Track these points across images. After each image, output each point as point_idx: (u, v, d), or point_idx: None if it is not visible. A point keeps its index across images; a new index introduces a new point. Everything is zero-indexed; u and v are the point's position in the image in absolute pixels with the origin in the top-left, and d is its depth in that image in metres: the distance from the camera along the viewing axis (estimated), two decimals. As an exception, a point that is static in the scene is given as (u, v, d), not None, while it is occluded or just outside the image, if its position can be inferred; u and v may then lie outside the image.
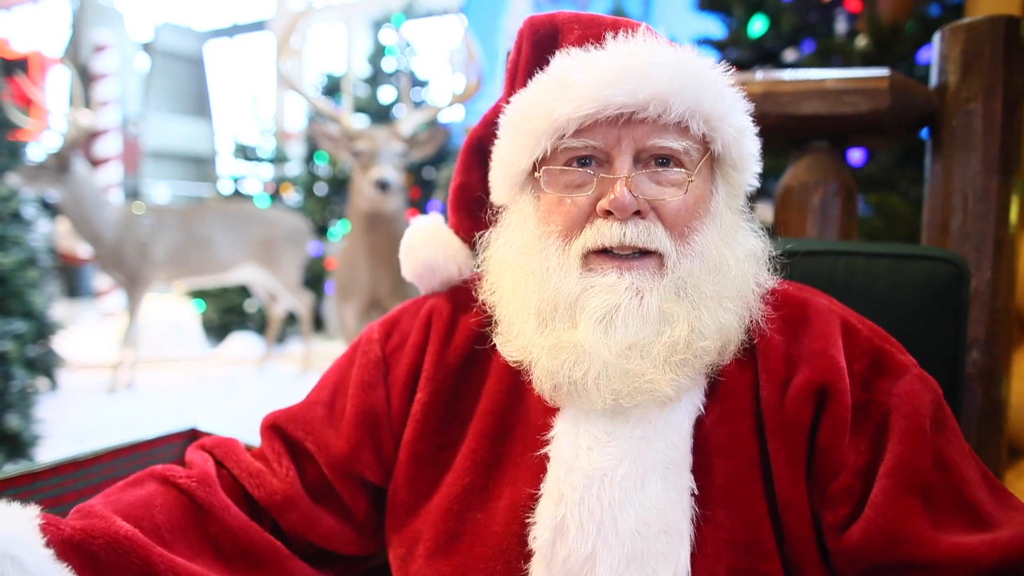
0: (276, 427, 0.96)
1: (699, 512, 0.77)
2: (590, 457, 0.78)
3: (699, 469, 0.79)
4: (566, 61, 0.82)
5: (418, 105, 5.19)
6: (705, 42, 3.43)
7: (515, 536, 0.81)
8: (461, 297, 0.97)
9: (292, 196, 6.97)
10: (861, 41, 2.78)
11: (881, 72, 1.27)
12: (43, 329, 3.27)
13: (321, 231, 6.59)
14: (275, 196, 6.88)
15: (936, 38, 1.28)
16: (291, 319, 6.32)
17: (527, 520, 0.80)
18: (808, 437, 0.80)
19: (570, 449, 0.80)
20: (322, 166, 6.76)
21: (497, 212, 0.93)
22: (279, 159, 7.07)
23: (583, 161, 0.81)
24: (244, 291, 6.31)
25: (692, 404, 0.81)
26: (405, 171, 3.43)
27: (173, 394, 4.76)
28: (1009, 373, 1.23)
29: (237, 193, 6.99)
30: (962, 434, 0.82)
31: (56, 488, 1.13)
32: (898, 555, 0.74)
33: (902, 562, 0.74)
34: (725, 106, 0.82)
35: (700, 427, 0.82)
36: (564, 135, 0.80)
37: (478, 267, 0.93)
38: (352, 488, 0.94)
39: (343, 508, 0.94)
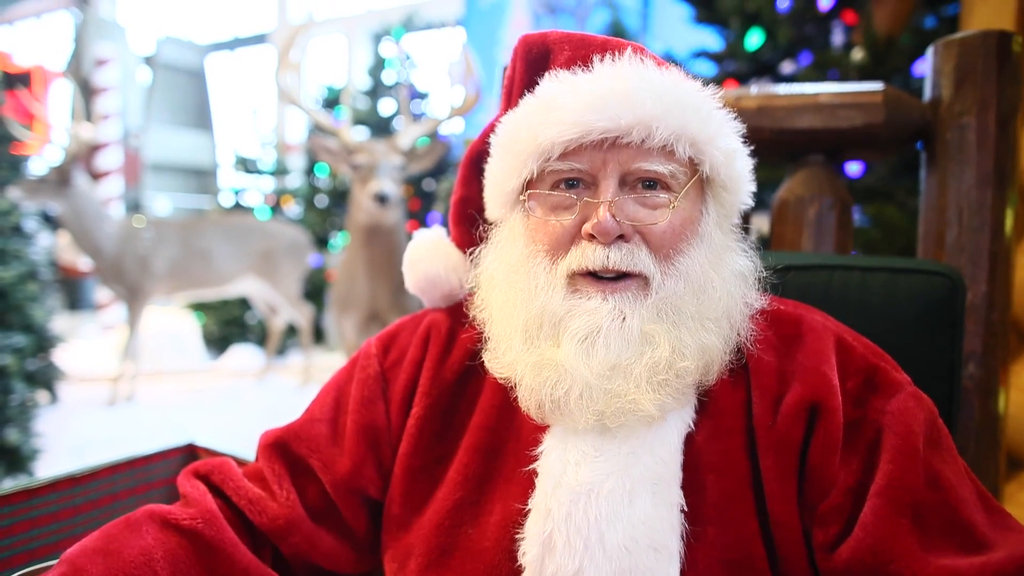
0: (278, 445, 0.95)
1: (690, 529, 0.77)
2: (577, 472, 0.78)
3: (690, 486, 0.79)
4: (553, 84, 0.83)
5: (418, 118, 5.21)
6: (702, 55, 3.45)
7: (505, 552, 0.81)
8: (460, 313, 0.97)
9: (293, 208, 6.99)
10: (857, 54, 2.79)
11: (875, 86, 1.28)
12: (43, 342, 3.28)
13: (322, 243, 6.60)
14: (276, 208, 6.90)
15: (930, 52, 1.28)
16: (291, 331, 6.32)
17: (517, 536, 0.80)
18: (800, 455, 0.80)
19: (558, 464, 0.79)
20: (322, 178, 6.78)
21: (490, 228, 0.93)
22: (280, 171, 7.10)
23: (571, 183, 0.82)
24: (244, 303, 6.31)
25: (682, 420, 0.81)
26: (404, 184, 3.44)
27: (173, 407, 4.76)
28: (1007, 385, 1.23)
29: (238, 205, 7.00)
30: (958, 452, 0.81)
31: (53, 504, 1.13)
32: (884, 574, 0.73)
33: None
34: (712, 130, 0.82)
35: (691, 443, 0.81)
36: (550, 158, 0.81)
37: (471, 283, 0.94)
38: (354, 505, 0.94)
39: (344, 527, 0.94)
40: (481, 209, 0.97)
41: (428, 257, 1.00)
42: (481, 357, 0.89)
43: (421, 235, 1.04)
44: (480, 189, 0.98)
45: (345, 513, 0.93)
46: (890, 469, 0.76)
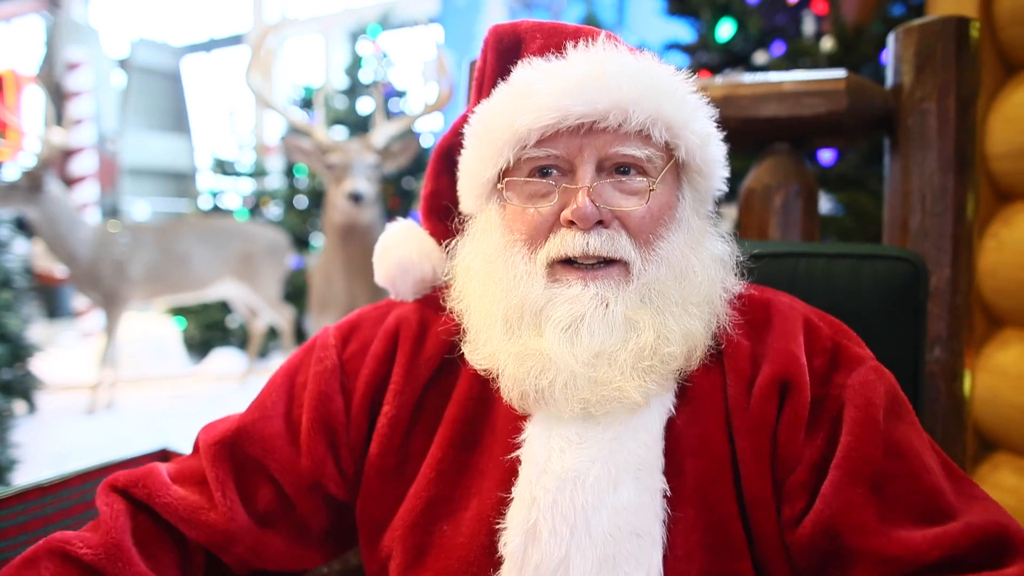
0: (225, 446, 0.91)
1: (671, 514, 0.77)
2: (562, 459, 0.78)
3: (671, 470, 0.80)
4: (527, 71, 0.82)
5: (394, 115, 5.18)
6: (674, 47, 3.45)
7: (482, 547, 0.80)
8: (431, 306, 0.96)
9: (272, 210, 6.94)
10: (827, 43, 2.81)
11: (838, 74, 1.29)
12: (19, 352, 3.23)
13: (302, 244, 6.55)
14: (254, 210, 6.84)
15: (891, 39, 1.29)
16: (273, 334, 6.28)
17: (496, 527, 0.79)
18: (772, 434, 0.81)
19: (542, 451, 0.79)
20: (301, 179, 6.73)
21: (464, 221, 0.92)
22: (258, 173, 7.04)
23: (546, 171, 0.82)
24: (226, 307, 6.26)
25: (663, 406, 0.82)
26: (383, 183, 3.42)
27: (154, 413, 4.71)
28: (975, 368, 1.24)
29: (216, 208, 6.94)
30: (921, 425, 0.82)
31: (21, 515, 1.11)
32: (844, 544, 0.74)
33: (848, 552, 0.74)
34: (687, 113, 0.82)
35: (671, 429, 0.82)
36: (526, 145, 0.80)
37: (447, 275, 0.93)
38: (314, 503, 0.92)
39: (297, 526, 0.93)
40: (452, 202, 0.96)
41: (401, 243, 0.99)
42: (458, 350, 0.88)
43: (393, 226, 1.03)
44: (451, 183, 0.97)
45: (303, 511, 0.92)
46: (848, 441, 0.77)
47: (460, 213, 0.94)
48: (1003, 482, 1.86)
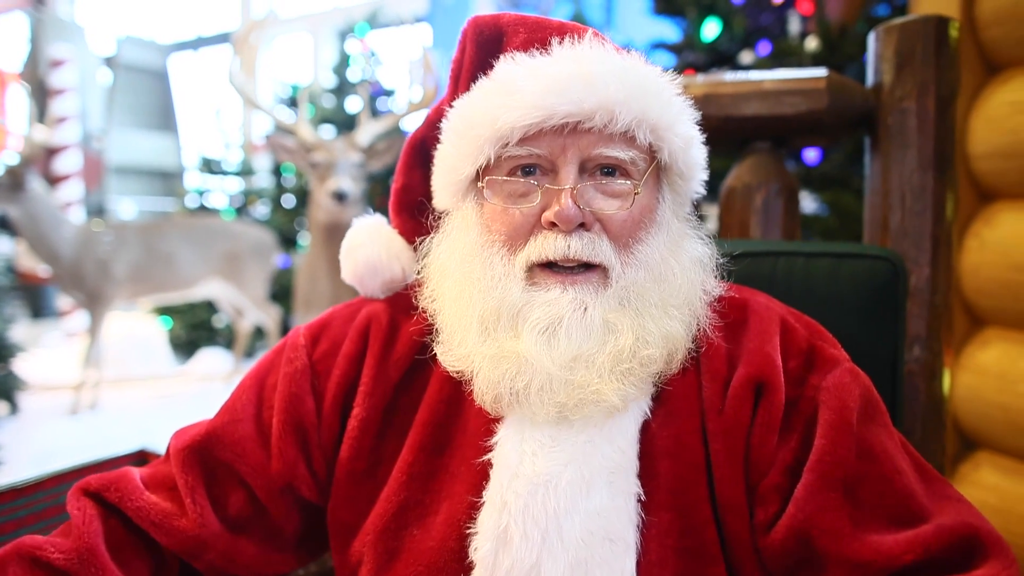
0: (196, 451, 0.89)
1: (645, 518, 0.76)
2: (535, 462, 0.77)
3: (645, 473, 0.79)
4: (511, 67, 0.80)
5: (381, 114, 5.16)
6: (661, 46, 3.45)
7: (451, 552, 0.79)
8: (401, 305, 0.94)
9: (259, 209, 6.89)
10: (811, 43, 2.82)
11: (819, 72, 1.29)
12: (2, 351, 3.21)
13: (290, 243, 6.52)
14: (242, 209, 6.80)
15: (871, 38, 1.29)
16: (260, 333, 6.24)
17: (467, 532, 0.78)
18: (746, 436, 0.80)
19: (515, 455, 0.78)
20: (289, 178, 6.69)
21: (439, 217, 0.91)
22: (245, 172, 6.99)
23: (527, 170, 0.80)
24: (212, 307, 6.22)
25: (639, 409, 0.81)
26: (366, 181, 3.40)
27: (139, 413, 4.67)
28: (956, 368, 1.24)
29: (203, 207, 6.90)
30: (904, 435, 0.82)
31: (-7, 518, 1.09)
32: (817, 549, 0.74)
33: (821, 557, 0.73)
34: (672, 115, 0.81)
35: (646, 431, 0.81)
36: (508, 143, 0.79)
37: (419, 273, 0.91)
38: (286, 506, 0.91)
39: (270, 530, 0.91)
40: (425, 197, 0.94)
41: (369, 242, 0.96)
42: (429, 350, 0.87)
43: (360, 222, 1.01)
44: (422, 177, 0.95)
45: (275, 515, 0.90)
46: (822, 444, 0.76)
47: (433, 209, 0.92)
48: (984, 480, 1.87)
